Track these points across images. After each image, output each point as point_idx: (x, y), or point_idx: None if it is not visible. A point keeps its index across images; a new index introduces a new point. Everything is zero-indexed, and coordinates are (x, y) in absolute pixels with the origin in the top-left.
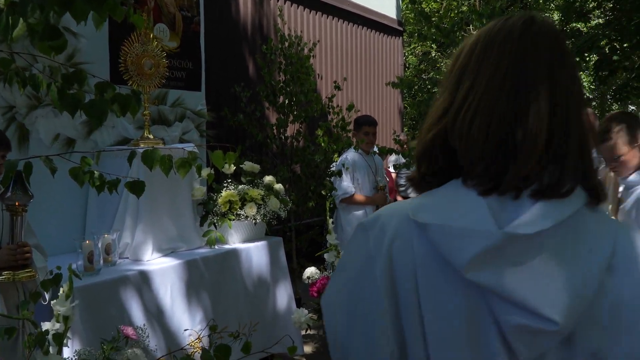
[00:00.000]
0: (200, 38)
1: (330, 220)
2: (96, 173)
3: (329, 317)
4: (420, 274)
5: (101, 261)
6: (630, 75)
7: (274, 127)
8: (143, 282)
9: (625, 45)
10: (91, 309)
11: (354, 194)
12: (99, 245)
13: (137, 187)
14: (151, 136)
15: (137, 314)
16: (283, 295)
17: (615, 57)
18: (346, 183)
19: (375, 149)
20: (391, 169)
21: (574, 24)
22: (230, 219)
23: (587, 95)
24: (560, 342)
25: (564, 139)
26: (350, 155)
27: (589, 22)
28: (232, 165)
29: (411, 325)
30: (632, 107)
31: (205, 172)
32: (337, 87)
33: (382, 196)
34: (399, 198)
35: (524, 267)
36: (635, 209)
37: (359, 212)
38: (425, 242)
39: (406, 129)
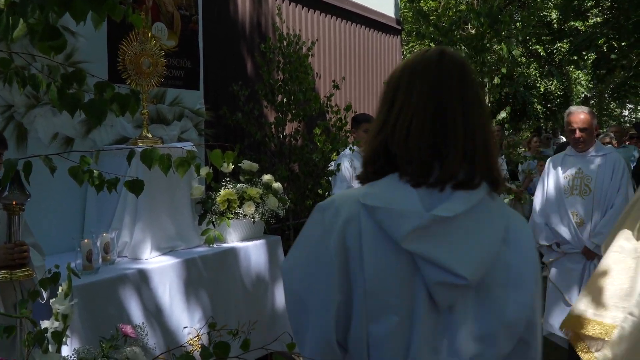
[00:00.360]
0: (199, 37)
1: None
2: (95, 172)
3: (288, 278)
4: (365, 243)
5: (100, 260)
6: (628, 74)
7: (272, 126)
8: (142, 281)
9: (623, 44)
10: (90, 307)
11: None
12: (98, 244)
13: (136, 186)
14: (150, 135)
15: (136, 312)
16: (281, 293)
17: (613, 56)
18: (345, 182)
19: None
20: None
21: (572, 23)
22: (228, 218)
23: (586, 94)
24: (470, 293)
25: (473, 143)
26: (347, 153)
27: (587, 21)
28: (231, 164)
29: (356, 282)
30: (630, 106)
31: (204, 171)
32: (336, 86)
33: None
34: None
35: (444, 239)
36: None
37: None
38: (369, 220)
39: None
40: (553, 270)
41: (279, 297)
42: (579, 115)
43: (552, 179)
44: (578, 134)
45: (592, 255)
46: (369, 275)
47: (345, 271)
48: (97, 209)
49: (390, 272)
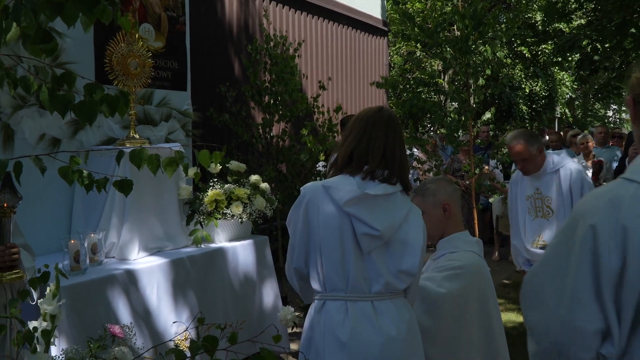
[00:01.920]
0: (186, 38)
1: None
2: (85, 172)
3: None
4: (320, 211)
5: (87, 260)
6: (611, 75)
7: (260, 127)
8: (129, 282)
9: (606, 45)
10: (78, 308)
11: None
12: (85, 244)
13: (125, 186)
14: (137, 136)
15: (123, 313)
16: (269, 293)
17: (596, 57)
18: None
19: None
20: None
21: (557, 25)
22: (216, 218)
23: (570, 95)
24: (382, 246)
25: (392, 158)
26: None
27: (571, 23)
28: (218, 164)
29: (313, 238)
30: (614, 106)
31: (192, 171)
32: (322, 87)
33: None
34: None
35: (369, 208)
36: None
37: None
38: (326, 196)
39: None
40: None
41: (267, 296)
42: (514, 148)
43: (515, 200)
44: (519, 164)
45: None
46: (322, 228)
47: (307, 226)
48: (84, 209)
49: (334, 225)
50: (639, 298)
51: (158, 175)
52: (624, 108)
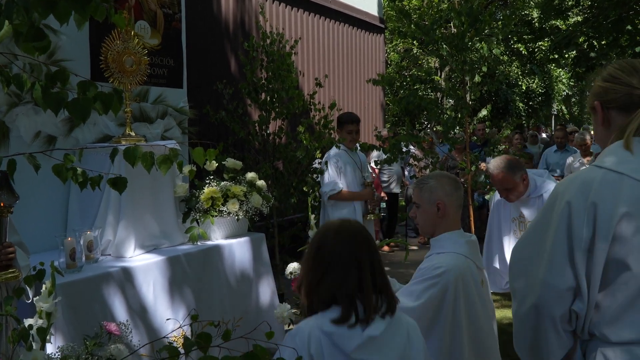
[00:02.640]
0: (182, 35)
1: (312, 216)
2: (79, 170)
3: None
4: (326, 356)
5: (83, 258)
6: None
7: (256, 124)
8: (125, 279)
9: (602, 42)
10: (74, 305)
11: (342, 190)
12: (81, 242)
13: (119, 184)
14: (133, 133)
15: (119, 310)
16: (266, 290)
17: (592, 54)
18: (334, 180)
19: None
20: (373, 165)
21: (553, 22)
22: (212, 216)
23: (567, 92)
24: None
25: (375, 283)
26: (334, 151)
27: (568, 20)
28: (214, 162)
29: None
30: None
31: (187, 168)
32: (319, 84)
33: (369, 192)
34: (382, 194)
35: (379, 347)
36: None
37: (348, 209)
38: (327, 340)
39: (388, 126)
40: None
41: (263, 294)
42: (496, 177)
43: (498, 223)
44: (503, 194)
45: None
46: None
47: None
48: (80, 207)
49: None
50: (605, 262)
51: (154, 173)
52: None
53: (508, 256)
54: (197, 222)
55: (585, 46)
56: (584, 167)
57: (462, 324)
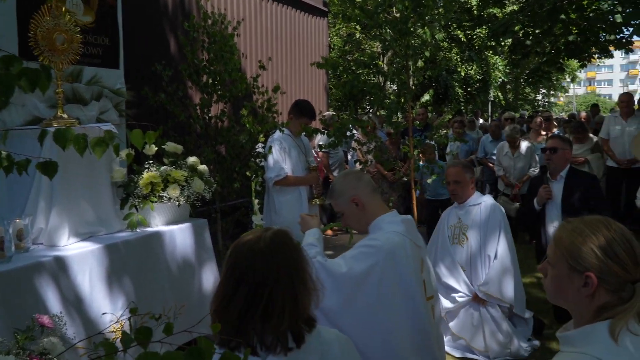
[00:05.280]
0: (118, 13)
1: (256, 201)
2: (3, 153)
3: None
4: None
5: (13, 248)
6: (542, 60)
7: (198, 107)
8: (59, 269)
9: (537, 31)
10: (3, 298)
11: (287, 176)
12: (10, 230)
13: (49, 168)
14: (65, 115)
15: (53, 302)
16: (209, 277)
17: (528, 42)
18: (279, 165)
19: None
20: (317, 149)
21: (491, 10)
22: (152, 201)
23: (503, 79)
24: None
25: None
26: (278, 135)
27: (505, 8)
28: (154, 145)
29: None
30: (543, 90)
31: (124, 152)
32: (262, 67)
33: (314, 176)
34: (330, 177)
35: None
36: None
37: (293, 194)
38: None
39: (332, 109)
40: (454, 322)
41: (206, 280)
42: (452, 169)
43: (442, 230)
44: (452, 186)
45: (483, 301)
46: None
47: None
48: (8, 193)
49: None
50: None
51: (89, 157)
52: (552, 92)
53: (447, 261)
54: (136, 208)
55: (520, 34)
56: None
57: (391, 300)
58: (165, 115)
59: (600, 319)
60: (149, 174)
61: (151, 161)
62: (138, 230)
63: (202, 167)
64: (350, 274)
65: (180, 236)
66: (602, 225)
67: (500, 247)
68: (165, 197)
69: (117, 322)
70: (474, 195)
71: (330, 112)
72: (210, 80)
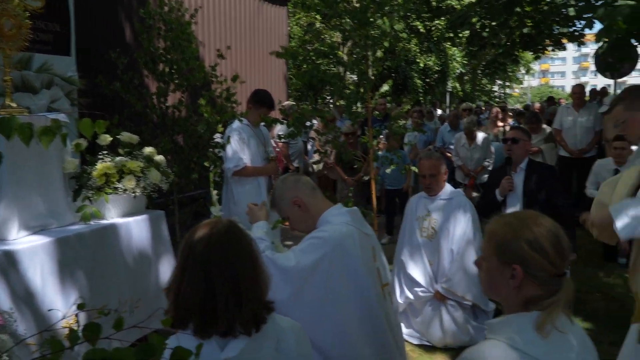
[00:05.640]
0: None
1: (215, 192)
2: None
3: None
4: None
5: None
6: (498, 52)
7: (154, 96)
8: (8, 264)
9: (493, 23)
10: None
11: (246, 166)
12: None
13: None
14: (14, 104)
15: (3, 298)
16: (166, 269)
17: (484, 34)
18: (237, 155)
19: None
20: (277, 139)
21: (449, 1)
22: (107, 193)
23: (461, 70)
24: None
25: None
26: (237, 125)
27: (462, 0)
28: (108, 135)
29: None
30: (499, 82)
31: (74, 142)
32: (221, 56)
33: (274, 166)
34: (290, 167)
35: None
36: None
37: (252, 184)
38: None
39: (291, 99)
40: (419, 319)
41: (163, 273)
42: (426, 161)
43: (409, 220)
44: (427, 180)
45: (444, 298)
46: None
47: None
48: None
49: None
50: None
51: (39, 148)
52: (507, 83)
53: (415, 254)
54: (90, 200)
55: (477, 26)
56: None
57: (340, 292)
58: (121, 105)
59: (526, 310)
60: (103, 165)
61: (105, 152)
62: (92, 222)
63: (159, 158)
64: (298, 267)
65: (136, 228)
66: (532, 220)
67: (466, 244)
68: (121, 188)
69: (69, 317)
70: (445, 188)
71: (290, 102)
72: (167, 69)
